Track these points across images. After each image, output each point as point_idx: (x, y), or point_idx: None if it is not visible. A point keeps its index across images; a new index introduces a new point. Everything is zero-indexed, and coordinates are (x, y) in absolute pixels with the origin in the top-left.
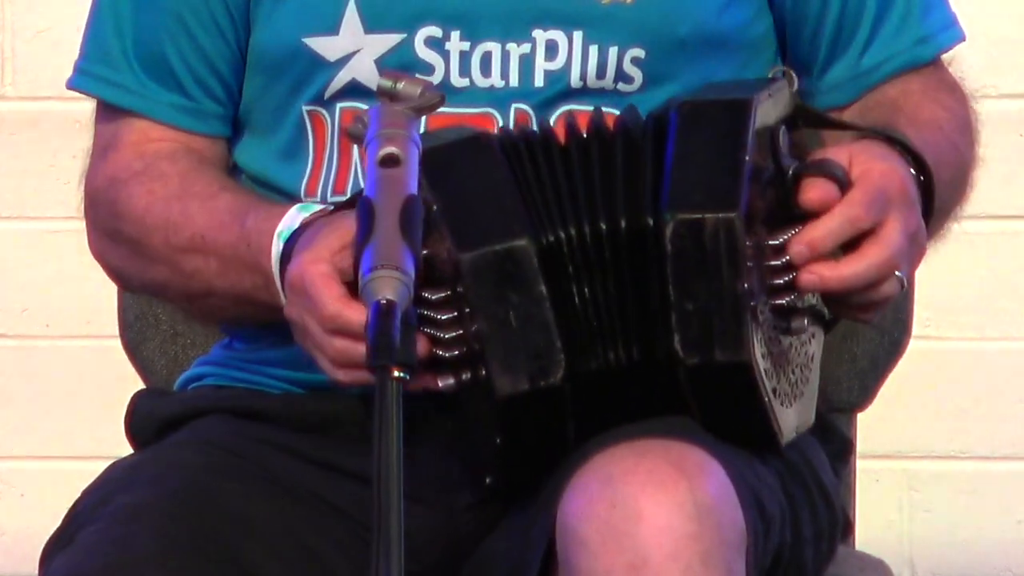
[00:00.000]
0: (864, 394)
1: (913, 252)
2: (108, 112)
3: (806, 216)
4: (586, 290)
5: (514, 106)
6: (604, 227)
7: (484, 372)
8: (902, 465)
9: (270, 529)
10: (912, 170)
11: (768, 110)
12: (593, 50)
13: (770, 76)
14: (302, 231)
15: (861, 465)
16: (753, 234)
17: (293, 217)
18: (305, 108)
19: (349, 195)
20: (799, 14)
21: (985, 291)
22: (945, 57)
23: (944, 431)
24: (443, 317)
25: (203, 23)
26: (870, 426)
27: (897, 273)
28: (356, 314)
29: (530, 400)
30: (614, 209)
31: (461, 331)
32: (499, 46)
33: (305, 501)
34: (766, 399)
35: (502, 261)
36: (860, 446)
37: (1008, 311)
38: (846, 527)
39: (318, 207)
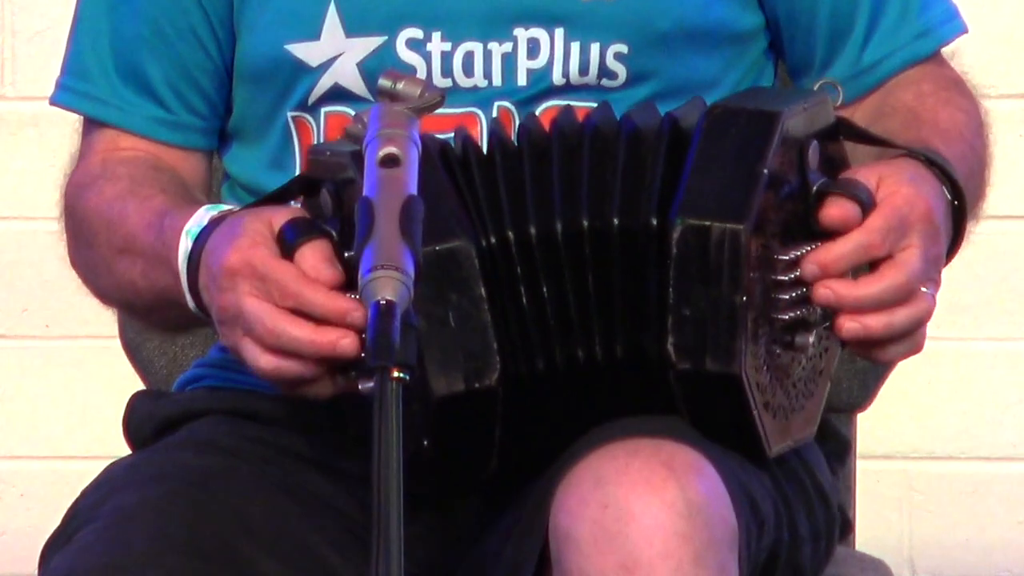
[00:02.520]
0: (864, 394)
1: (931, 277)
2: (89, 124)
3: (825, 234)
4: (545, 290)
5: (497, 104)
6: (586, 224)
7: (419, 373)
8: (902, 465)
9: (267, 529)
10: (947, 193)
11: (800, 123)
12: (575, 47)
13: (815, 87)
14: (213, 227)
15: (861, 465)
16: (763, 247)
17: (201, 216)
18: (290, 115)
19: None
20: (791, 11)
21: (985, 291)
22: (946, 52)
23: (944, 431)
24: None
25: (182, 34)
26: (870, 426)
27: (923, 289)
28: (319, 295)
29: (464, 401)
30: (603, 207)
31: None
32: (481, 46)
33: (303, 501)
34: (755, 411)
35: (442, 261)
36: (860, 446)
37: (1008, 311)
38: (845, 527)
39: (226, 207)
